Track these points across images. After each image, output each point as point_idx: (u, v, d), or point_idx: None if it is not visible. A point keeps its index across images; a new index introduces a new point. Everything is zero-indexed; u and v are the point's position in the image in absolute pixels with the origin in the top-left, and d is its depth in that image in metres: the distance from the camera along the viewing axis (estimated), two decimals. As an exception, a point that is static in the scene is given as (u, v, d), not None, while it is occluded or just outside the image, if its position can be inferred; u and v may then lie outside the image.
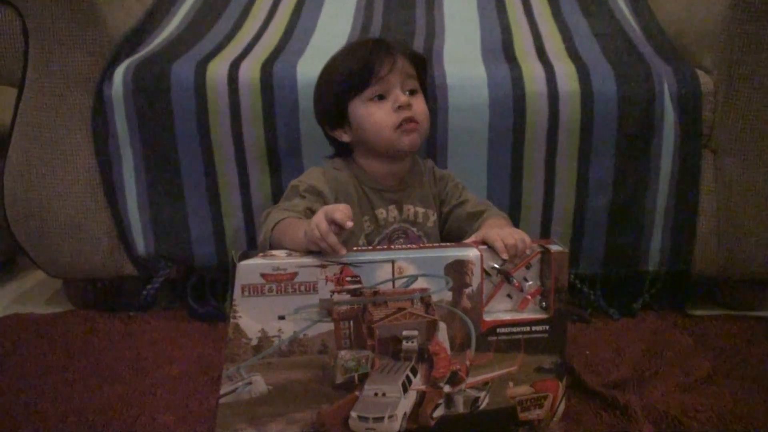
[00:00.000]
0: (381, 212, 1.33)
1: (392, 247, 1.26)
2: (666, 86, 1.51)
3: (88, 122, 1.56)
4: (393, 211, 1.34)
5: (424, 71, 1.40)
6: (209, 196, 1.57)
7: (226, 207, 1.58)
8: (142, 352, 1.48)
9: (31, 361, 1.44)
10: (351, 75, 1.29)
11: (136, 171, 1.59)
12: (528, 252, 1.13)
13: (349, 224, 1.03)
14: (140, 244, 1.64)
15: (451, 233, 1.38)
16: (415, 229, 1.36)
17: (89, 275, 1.68)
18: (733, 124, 1.53)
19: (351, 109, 1.30)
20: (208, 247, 1.61)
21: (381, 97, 1.28)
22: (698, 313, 1.67)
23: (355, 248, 1.13)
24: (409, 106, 1.28)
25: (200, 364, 1.41)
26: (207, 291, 1.69)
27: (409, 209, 1.35)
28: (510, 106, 1.50)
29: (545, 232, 1.59)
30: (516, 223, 1.53)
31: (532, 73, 1.53)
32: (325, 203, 1.24)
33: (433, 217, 1.38)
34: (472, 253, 1.09)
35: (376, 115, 1.28)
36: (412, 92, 1.31)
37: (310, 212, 1.20)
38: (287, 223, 1.16)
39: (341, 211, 1.03)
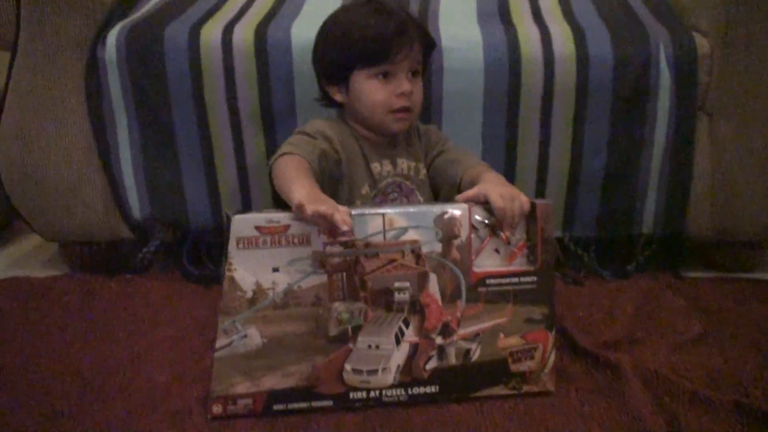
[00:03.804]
0: (375, 166, 1.35)
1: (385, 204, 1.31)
2: (662, 49, 1.52)
3: (82, 85, 1.57)
4: (387, 165, 1.36)
5: (431, 53, 1.40)
6: (204, 158, 1.58)
7: (221, 169, 1.59)
8: (138, 313, 1.50)
9: (28, 323, 1.46)
10: (365, 49, 1.28)
11: (130, 134, 1.60)
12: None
13: (345, 228, 1.05)
14: (135, 207, 1.65)
15: (437, 184, 1.40)
16: (408, 183, 1.38)
17: (85, 238, 1.69)
18: (728, 86, 1.54)
19: (353, 77, 1.31)
20: (204, 210, 1.62)
21: (386, 75, 1.29)
22: (691, 275, 1.69)
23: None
24: (410, 93, 1.29)
25: (195, 326, 1.42)
26: (202, 254, 1.71)
27: (402, 163, 1.38)
28: (505, 69, 1.51)
29: (540, 195, 1.61)
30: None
31: (528, 35, 1.54)
32: (334, 148, 1.28)
33: (423, 171, 1.40)
34: (459, 207, 1.12)
35: (376, 93, 1.29)
36: (415, 74, 1.32)
37: (324, 154, 1.24)
38: (291, 163, 1.19)
39: (342, 213, 1.05)
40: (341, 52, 1.31)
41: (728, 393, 1.17)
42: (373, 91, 1.29)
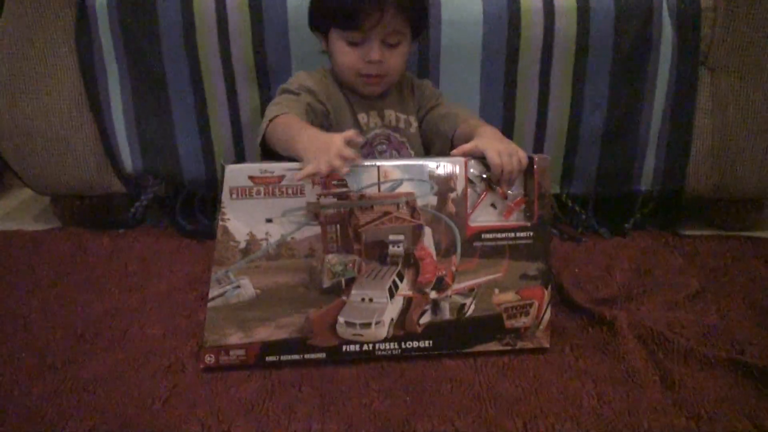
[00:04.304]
0: (362, 117, 1.34)
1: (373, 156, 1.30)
2: (664, 1, 1.49)
3: (72, 35, 1.54)
4: (374, 117, 1.35)
5: (422, 11, 1.36)
6: (197, 111, 1.57)
7: (214, 122, 1.58)
8: (130, 268, 1.50)
9: (18, 277, 1.45)
10: (335, 14, 1.27)
11: (122, 85, 1.58)
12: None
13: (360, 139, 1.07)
14: (127, 160, 1.64)
15: (429, 139, 1.39)
16: (397, 135, 1.37)
17: (77, 192, 1.68)
18: (732, 40, 1.52)
19: (330, 33, 1.31)
20: (197, 163, 1.61)
21: (355, 42, 1.28)
22: (690, 233, 1.69)
23: None
24: (379, 63, 1.28)
25: (188, 281, 1.42)
26: (196, 208, 1.70)
27: (390, 114, 1.36)
28: (504, 21, 1.49)
29: (538, 151, 1.59)
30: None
31: (528, -14, 1.51)
32: (318, 100, 1.28)
33: (414, 124, 1.39)
34: (456, 161, 1.12)
35: (346, 56, 1.29)
36: (393, 45, 1.29)
37: (311, 108, 1.24)
38: (285, 122, 1.18)
39: (350, 135, 1.06)
40: (318, 10, 1.33)
41: (724, 350, 1.17)
42: (343, 53, 1.29)
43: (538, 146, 1.60)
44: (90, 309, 1.32)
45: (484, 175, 1.12)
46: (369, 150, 1.34)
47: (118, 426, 0.99)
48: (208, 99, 1.56)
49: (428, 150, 1.39)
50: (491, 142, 1.14)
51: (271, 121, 1.20)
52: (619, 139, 1.59)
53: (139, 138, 1.61)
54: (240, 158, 1.61)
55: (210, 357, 1.11)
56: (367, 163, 1.10)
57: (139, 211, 1.69)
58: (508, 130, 1.56)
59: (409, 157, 1.35)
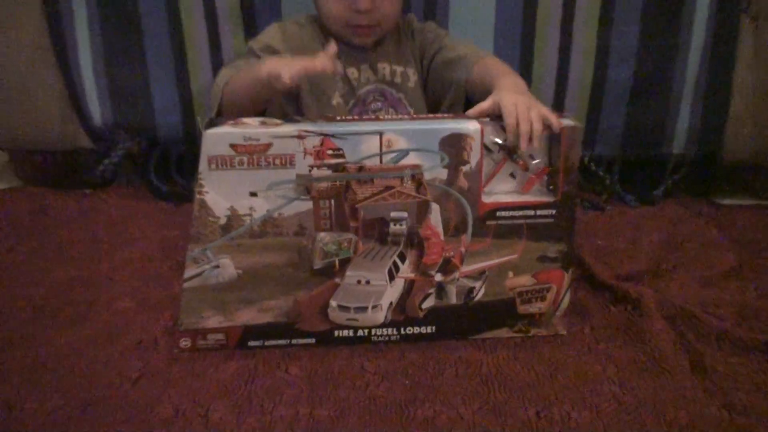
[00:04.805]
0: (352, 72, 1.32)
1: (378, 117, 1.26)
2: (703, -62, 1.47)
3: (34, -31, 1.51)
4: (366, 71, 1.33)
5: None
6: (175, 57, 1.56)
7: (194, 70, 1.57)
8: (98, 233, 1.49)
9: (-29, 242, 1.44)
10: None
11: (90, 28, 1.57)
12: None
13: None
14: (96, 113, 1.63)
15: (438, 92, 1.37)
16: (393, 90, 1.35)
17: (39, 147, 1.68)
18: (779, -16, 1.49)
19: None
20: (173, 116, 1.60)
21: None
22: (726, 202, 1.68)
23: (338, 118, 1.11)
24: (368, 12, 1.26)
25: (163, 248, 1.42)
26: (172, 167, 1.69)
27: (384, 68, 1.34)
28: (522, -41, 1.46)
29: (559, 108, 1.57)
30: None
31: None
32: None
33: (414, 77, 1.37)
34: (471, 126, 1.07)
35: (332, 4, 1.27)
36: None
37: None
38: (240, 75, 1.18)
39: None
40: None
41: (761, 333, 1.16)
42: (328, 0, 1.28)
43: (559, 102, 1.59)
44: (52, 278, 1.32)
45: (503, 142, 1.09)
46: (362, 109, 1.33)
47: (81, 407, 0.98)
48: (188, 44, 1.55)
49: (436, 107, 1.37)
50: (509, 94, 1.11)
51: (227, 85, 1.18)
52: (648, 95, 1.58)
53: (108, 86, 1.60)
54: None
55: (185, 341, 1.11)
56: (367, 128, 1.06)
57: (109, 170, 1.69)
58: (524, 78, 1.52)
59: (407, 115, 1.32)
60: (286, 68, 1.04)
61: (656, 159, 1.66)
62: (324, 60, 1.04)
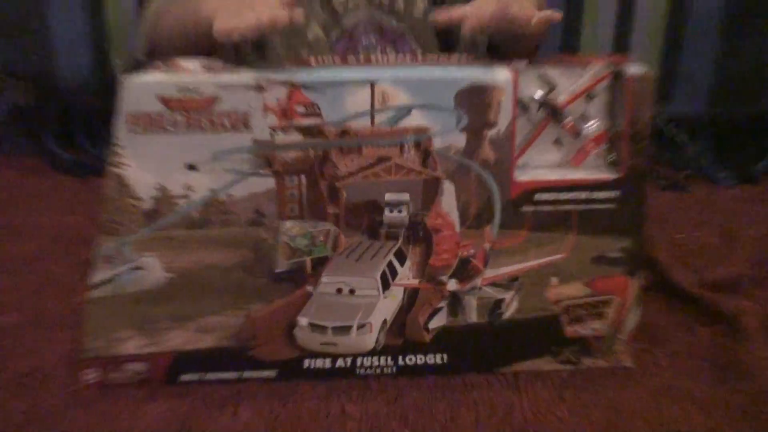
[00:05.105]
0: None
1: (370, 58, 1.23)
2: None
3: None
4: None
5: None
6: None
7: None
8: (-24, 217, 1.51)
9: None
10: None
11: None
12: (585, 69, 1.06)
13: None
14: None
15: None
16: (393, 21, 1.31)
17: None
18: None
19: None
20: (80, 57, 1.57)
21: None
22: None
23: (313, 60, 1.09)
24: None
25: (64, 240, 1.41)
26: (77, 128, 1.66)
27: None
28: None
29: (620, 49, 1.57)
30: (575, 36, 1.52)
31: None
32: None
33: (422, 3, 1.34)
34: (500, 75, 1.03)
35: None
36: None
37: None
38: (174, 12, 1.18)
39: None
40: None
41: None
42: None
43: (621, 40, 1.57)
44: None
45: (541, 98, 1.05)
46: (348, 44, 1.30)
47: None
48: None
49: (454, 43, 1.33)
50: None
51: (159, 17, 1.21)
52: (746, 31, 1.55)
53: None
54: (149, 51, 1.54)
55: (92, 373, 1.07)
56: (354, 75, 1.02)
57: (-7, 130, 1.69)
58: (573, 10, 1.53)
59: (413, 56, 1.29)
60: (235, 25, 1.03)
61: (758, 120, 1.62)
62: (280, 13, 1.02)
